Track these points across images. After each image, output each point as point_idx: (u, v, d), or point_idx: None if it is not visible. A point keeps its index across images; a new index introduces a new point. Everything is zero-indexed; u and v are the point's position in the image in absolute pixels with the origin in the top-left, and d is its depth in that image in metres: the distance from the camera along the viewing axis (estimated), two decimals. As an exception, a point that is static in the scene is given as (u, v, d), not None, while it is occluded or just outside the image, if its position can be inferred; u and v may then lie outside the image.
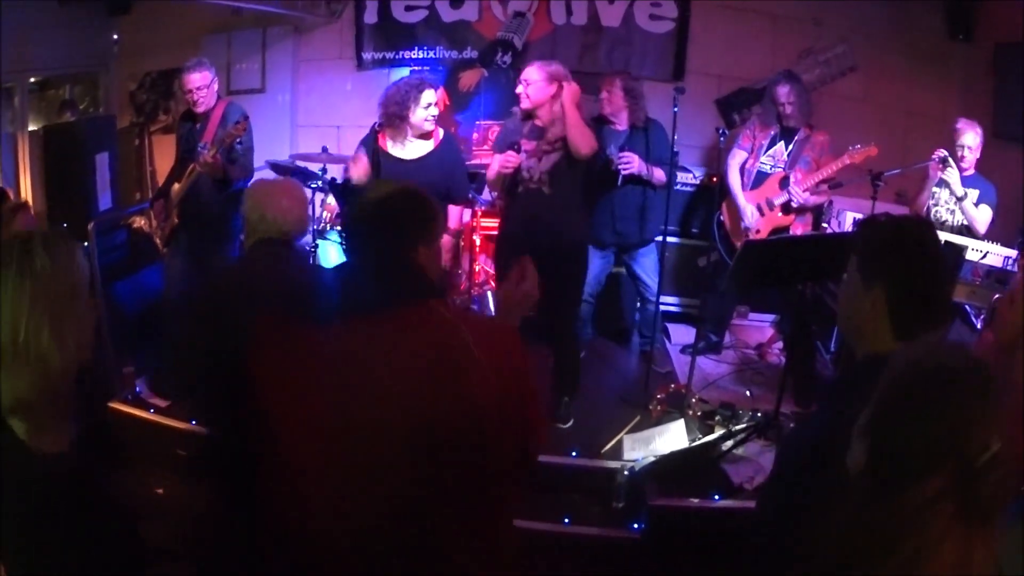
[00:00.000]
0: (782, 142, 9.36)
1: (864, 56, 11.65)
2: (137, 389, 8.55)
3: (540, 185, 7.85)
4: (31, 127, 11.70)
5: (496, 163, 7.94)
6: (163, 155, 12.41)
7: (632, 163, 8.89)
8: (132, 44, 12.41)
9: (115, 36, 12.60)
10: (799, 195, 9.08)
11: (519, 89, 7.92)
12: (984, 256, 7.79)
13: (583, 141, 7.66)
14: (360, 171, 7.66)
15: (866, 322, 3.14)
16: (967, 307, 7.54)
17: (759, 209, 9.32)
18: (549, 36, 11.72)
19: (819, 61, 11.57)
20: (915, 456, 2.17)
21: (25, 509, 2.56)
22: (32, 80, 12.01)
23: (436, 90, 7.76)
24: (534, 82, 7.82)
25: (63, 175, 11.05)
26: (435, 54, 11.78)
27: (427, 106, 7.55)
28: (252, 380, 3.24)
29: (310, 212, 9.22)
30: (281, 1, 11.01)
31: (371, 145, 7.67)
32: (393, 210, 3.43)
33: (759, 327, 10.72)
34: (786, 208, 9.21)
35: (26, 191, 11.16)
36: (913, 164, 9.07)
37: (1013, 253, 7.73)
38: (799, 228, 9.29)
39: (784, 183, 9.19)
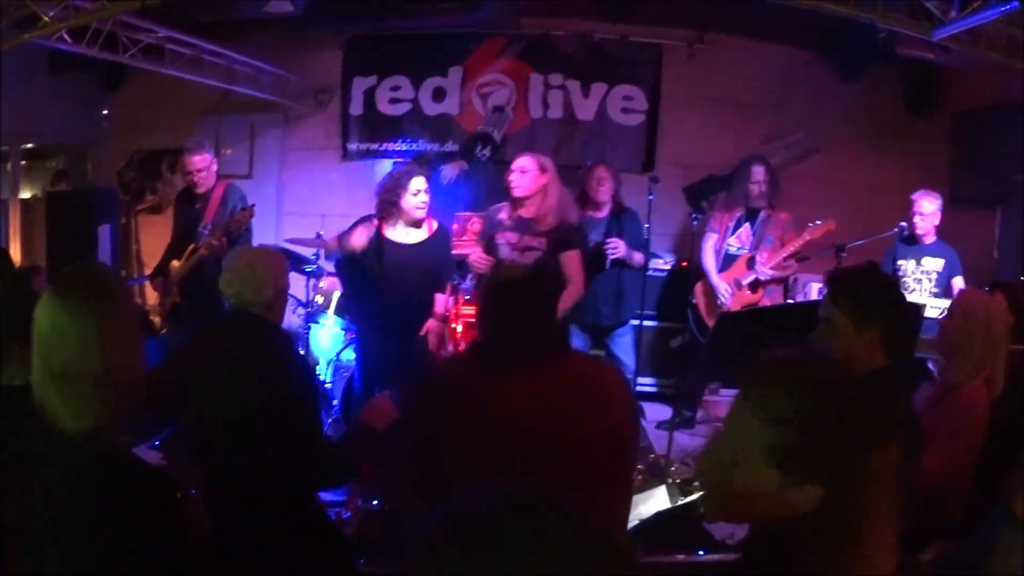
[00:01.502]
0: (747, 223, 9.82)
1: (825, 137, 12.18)
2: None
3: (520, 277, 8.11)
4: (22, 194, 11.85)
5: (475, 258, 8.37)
6: (149, 235, 12.67)
7: (619, 248, 9.28)
8: (123, 120, 12.63)
9: (105, 111, 12.80)
10: (766, 272, 9.53)
11: (512, 177, 8.18)
12: (944, 313, 8.13)
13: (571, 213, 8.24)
14: (360, 242, 7.86)
15: (859, 360, 3.56)
16: (930, 364, 7.88)
17: (731, 291, 9.74)
18: (527, 129, 12.18)
19: (782, 146, 12.07)
20: None
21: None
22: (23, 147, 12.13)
23: (426, 178, 8.01)
24: (528, 171, 8.15)
25: (66, 243, 11.21)
26: (418, 146, 12.11)
27: (416, 192, 7.78)
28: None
29: (303, 297, 9.62)
30: (271, 88, 11.32)
31: (374, 231, 7.92)
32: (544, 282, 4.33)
33: (731, 401, 10.94)
34: (754, 286, 9.63)
35: (16, 256, 11.08)
36: (875, 235, 9.54)
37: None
38: (767, 303, 9.67)
39: (751, 263, 9.65)
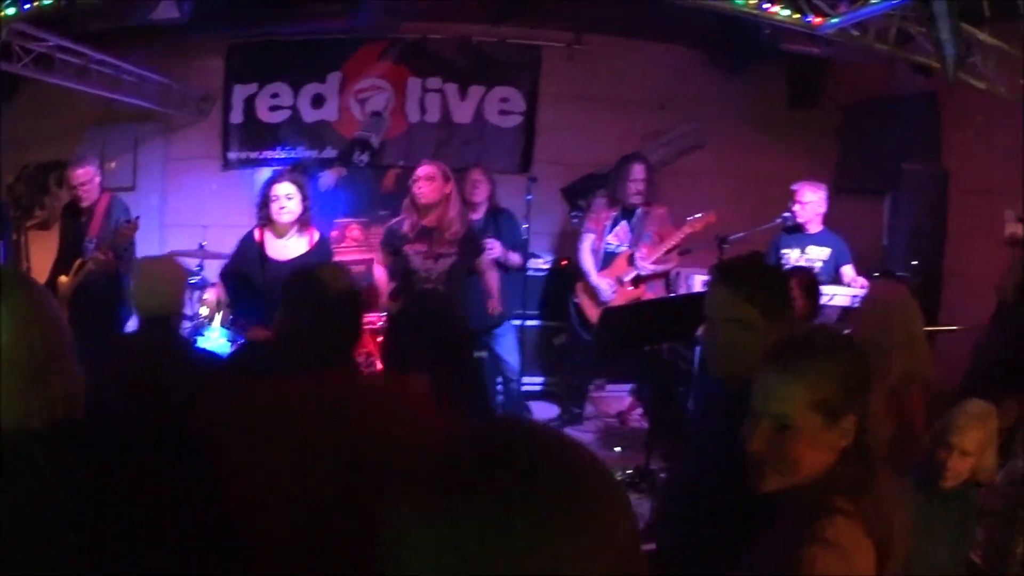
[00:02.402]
0: (624, 221, 10.00)
1: (710, 132, 12.44)
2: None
3: (436, 284, 8.25)
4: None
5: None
6: (39, 251, 12.11)
7: (495, 248, 9.42)
8: (15, 133, 12.00)
9: (-2, 124, 12.57)
10: (647, 268, 9.72)
11: (418, 185, 8.26)
12: (832, 299, 8.31)
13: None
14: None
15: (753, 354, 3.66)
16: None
17: (611, 288, 9.89)
18: (405, 134, 12.17)
19: (663, 142, 12.31)
20: None
21: None
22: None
23: (297, 185, 8.03)
24: (435, 179, 8.26)
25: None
26: (296, 154, 12.02)
27: (276, 198, 7.81)
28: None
29: (188, 309, 9.59)
30: (155, 97, 11.17)
31: (251, 243, 8.05)
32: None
33: (617, 397, 11.18)
34: (636, 282, 9.78)
35: None
36: (758, 227, 9.71)
37: (860, 292, 8.14)
38: (650, 297, 9.83)
39: (631, 260, 9.83)
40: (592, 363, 10.23)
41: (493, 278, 9.01)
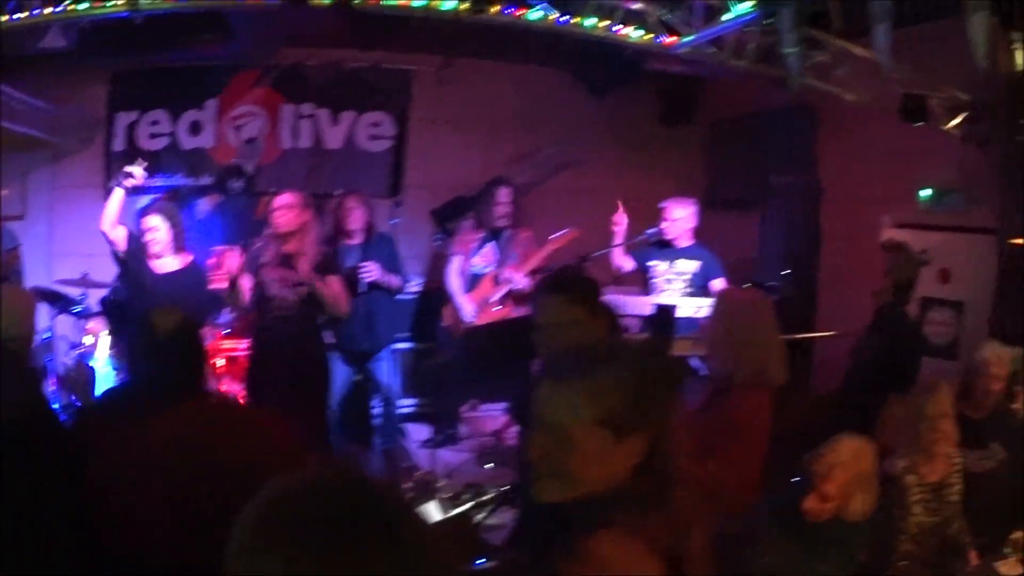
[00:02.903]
0: (491, 243, 10.11)
1: (580, 153, 12.57)
2: None
3: (292, 312, 8.33)
4: None
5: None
6: None
7: (372, 271, 9.50)
8: None
9: None
10: (520, 280, 9.83)
11: (275, 215, 8.35)
12: (700, 310, 8.26)
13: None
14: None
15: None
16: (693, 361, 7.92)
17: (477, 310, 9.99)
18: (278, 160, 12.22)
19: (531, 164, 12.38)
20: None
21: None
22: None
23: (162, 214, 8.34)
24: (292, 208, 8.36)
25: None
26: (175, 181, 11.92)
27: (145, 231, 8.19)
28: None
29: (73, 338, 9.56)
30: (42, 125, 11.19)
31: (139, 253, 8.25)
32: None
33: (492, 416, 11.12)
34: (504, 300, 9.96)
35: None
36: (619, 243, 9.77)
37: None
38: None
39: (497, 281, 9.95)
40: (463, 383, 10.25)
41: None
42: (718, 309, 5.64)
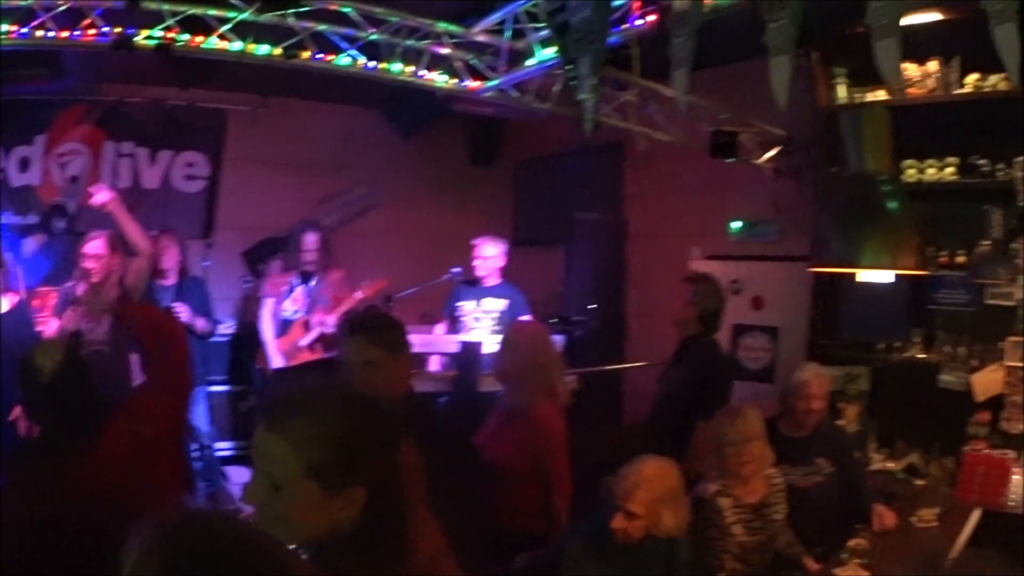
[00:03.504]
0: (301, 287, 10.07)
1: (389, 193, 12.67)
2: None
3: (103, 346, 8.21)
4: None
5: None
6: None
7: (183, 313, 9.43)
8: None
9: None
10: (330, 324, 9.77)
11: (87, 262, 8.30)
12: None
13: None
14: None
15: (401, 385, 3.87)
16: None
17: (288, 355, 9.95)
18: None
19: (341, 204, 12.46)
20: None
21: None
22: None
23: None
24: (97, 257, 8.33)
25: None
26: (3, 219, 11.38)
27: None
28: None
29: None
30: None
31: None
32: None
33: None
34: (314, 344, 9.92)
35: None
36: (425, 283, 10.09)
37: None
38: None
39: (307, 326, 9.91)
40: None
41: None
42: (507, 341, 5.91)
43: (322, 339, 9.92)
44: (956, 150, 8.44)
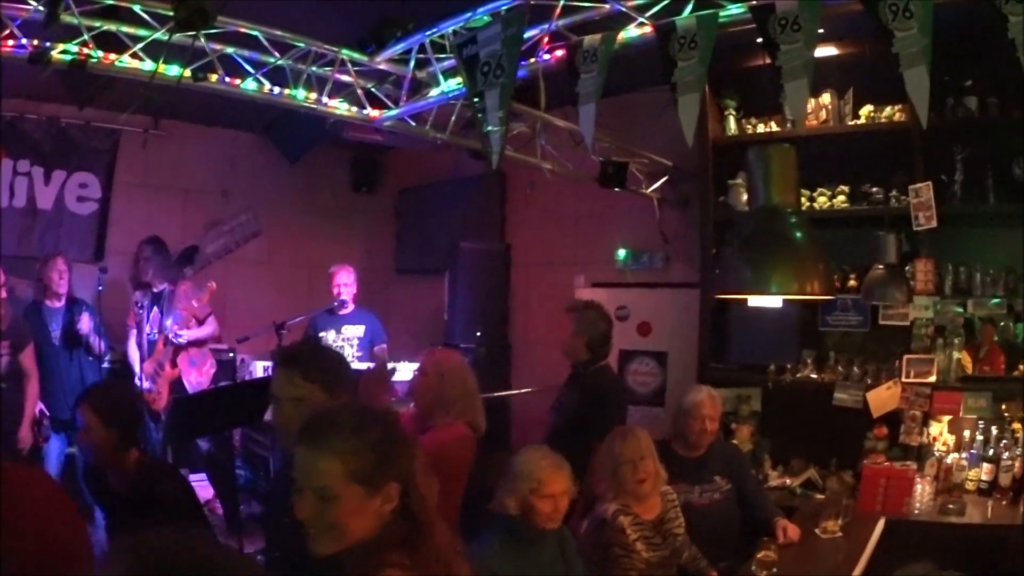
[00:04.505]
0: (155, 307, 10.12)
1: (269, 220, 12.70)
2: None
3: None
4: None
5: None
6: None
7: (84, 325, 9.55)
8: None
9: None
10: (180, 336, 9.93)
11: None
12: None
13: None
14: None
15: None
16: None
17: (155, 375, 9.98)
18: None
19: (224, 231, 12.44)
20: None
21: None
22: None
23: None
24: None
25: None
26: None
27: None
28: None
29: None
30: None
31: None
32: None
33: (200, 486, 10.90)
34: (174, 358, 10.02)
35: None
36: (313, 310, 10.25)
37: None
38: (193, 373, 10.09)
39: (167, 341, 9.98)
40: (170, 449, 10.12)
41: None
42: (427, 368, 6.01)
43: (180, 351, 10.07)
44: (847, 178, 8.84)
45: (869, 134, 8.71)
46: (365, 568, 2.88)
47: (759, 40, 5.65)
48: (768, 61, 5.95)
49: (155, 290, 10.16)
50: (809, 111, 8.72)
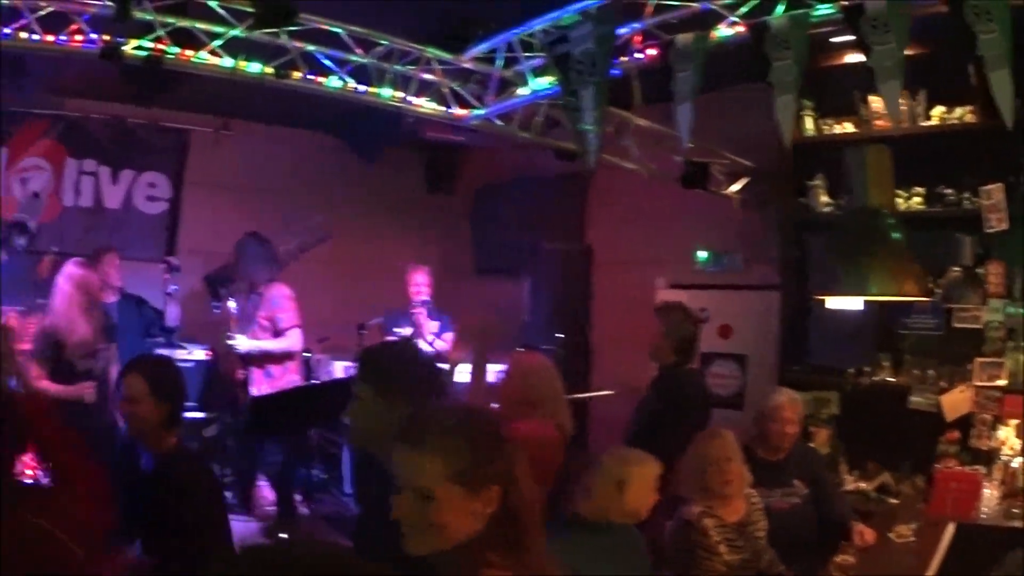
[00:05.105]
0: (247, 305, 10.02)
1: (342, 220, 12.47)
2: None
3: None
4: None
5: None
6: None
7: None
8: None
9: None
10: (250, 344, 9.79)
11: None
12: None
13: None
14: None
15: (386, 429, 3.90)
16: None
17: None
18: (58, 218, 11.66)
19: (300, 230, 12.18)
20: None
21: None
22: None
23: None
24: None
25: None
26: None
27: None
28: None
29: None
30: None
31: None
32: None
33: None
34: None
35: None
36: (395, 309, 10.28)
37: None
38: (265, 385, 9.75)
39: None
40: (247, 452, 10.18)
41: None
42: (513, 371, 5.98)
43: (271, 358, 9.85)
44: (922, 180, 8.66)
45: (941, 135, 8.56)
46: (462, 570, 2.87)
47: (833, 40, 5.60)
48: (843, 61, 5.87)
49: (255, 289, 10.03)
50: (883, 112, 8.54)
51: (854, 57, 8.13)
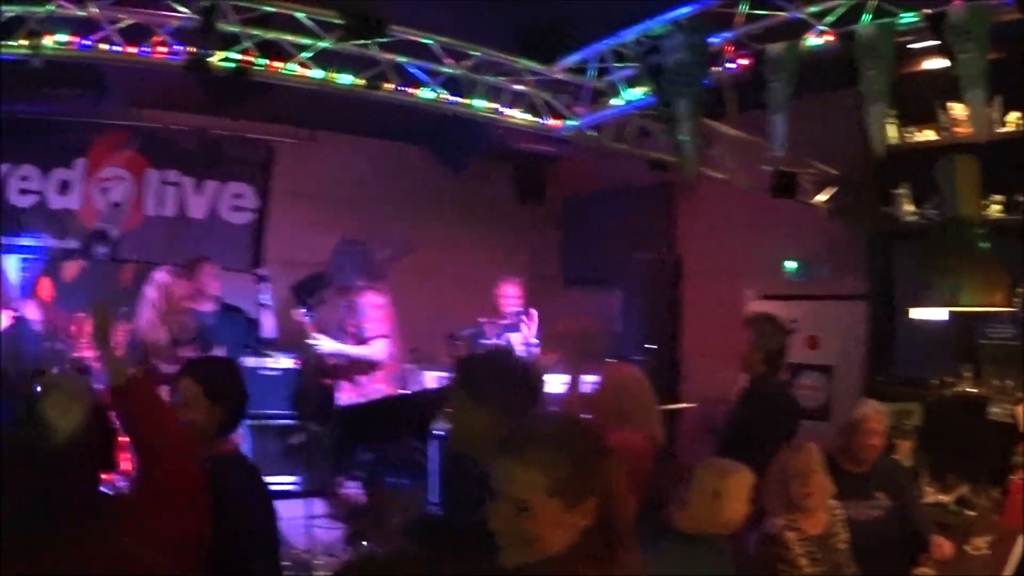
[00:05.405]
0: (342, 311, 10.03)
1: (429, 231, 12.42)
2: None
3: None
4: None
5: None
6: None
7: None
8: None
9: None
10: (332, 347, 9.88)
11: None
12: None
13: None
14: None
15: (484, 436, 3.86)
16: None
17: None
18: (140, 227, 11.81)
19: (389, 241, 11.91)
20: None
21: None
22: None
23: None
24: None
25: None
26: (41, 242, 11.19)
27: None
28: None
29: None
30: None
31: None
32: None
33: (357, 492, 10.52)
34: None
35: None
36: (486, 323, 10.27)
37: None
38: (352, 393, 9.82)
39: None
40: (334, 459, 10.10)
41: None
42: (606, 382, 6.00)
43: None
44: (1001, 187, 8.51)
45: (1017, 141, 8.42)
46: None
47: (911, 47, 5.58)
48: (921, 68, 5.85)
49: (348, 296, 10.02)
50: (960, 119, 8.52)
51: (931, 63, 8.17)
